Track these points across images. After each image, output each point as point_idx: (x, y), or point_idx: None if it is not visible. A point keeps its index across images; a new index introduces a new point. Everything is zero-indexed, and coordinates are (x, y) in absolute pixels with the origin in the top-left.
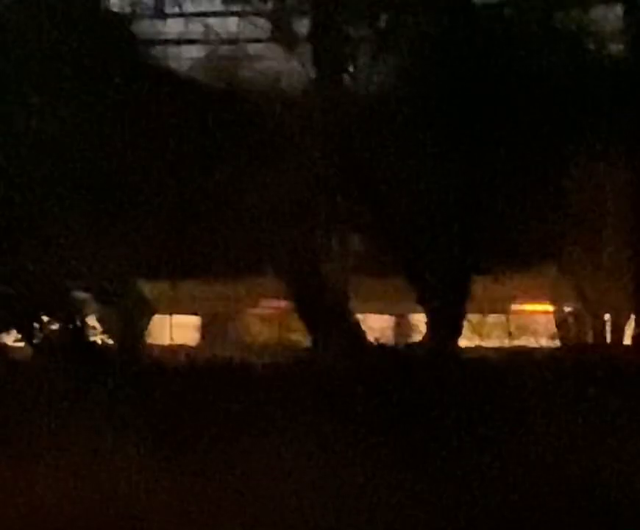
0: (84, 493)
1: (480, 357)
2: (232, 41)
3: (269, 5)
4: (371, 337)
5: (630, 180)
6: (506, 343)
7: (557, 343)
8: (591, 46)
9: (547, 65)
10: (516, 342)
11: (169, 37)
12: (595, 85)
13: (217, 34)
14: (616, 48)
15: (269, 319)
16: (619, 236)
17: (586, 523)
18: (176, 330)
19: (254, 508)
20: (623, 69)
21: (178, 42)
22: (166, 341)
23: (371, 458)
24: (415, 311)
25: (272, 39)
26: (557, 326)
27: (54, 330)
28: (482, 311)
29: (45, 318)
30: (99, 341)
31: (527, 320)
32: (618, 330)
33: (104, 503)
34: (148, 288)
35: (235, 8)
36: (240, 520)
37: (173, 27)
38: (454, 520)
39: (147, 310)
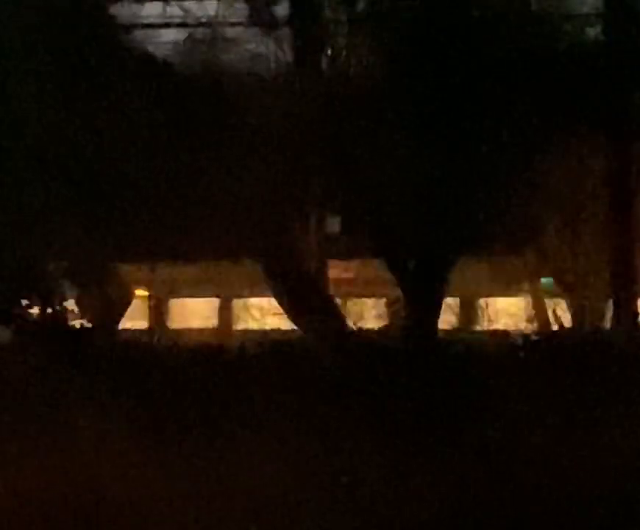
0: (63, 477)
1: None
2: (211, 24)
3: None
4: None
5: (608, 164)
6: None
7: None
8: (570, 28)
9: (527, 48)
10: None
11: (148, 20)
12: (574, 69)
13: (195, 17)
14: (594, 30)
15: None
16: (597, 219)
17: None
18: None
19: (241, 491)
20: (601, 52)
21: (156, 25)
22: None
23: (354, 441)
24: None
25: (250, 22)
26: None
27: (34, 314)
28: None
29: (24, 301)
30: (78, 325)
31: None
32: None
33: (85, 486)
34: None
35: None
36: (228, 504)
37: (151, 10)
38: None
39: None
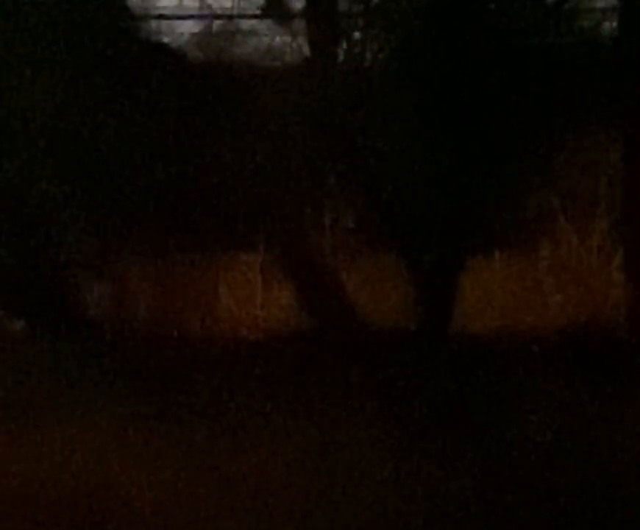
0: (72, 465)
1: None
2: (226, 16)
3: None
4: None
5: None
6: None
7: None
8: (584, 22)
9: (540, 41)
10: None
11: (163, 11)
12: (587, 61)
13: (211, 9)
14: (607, 23)
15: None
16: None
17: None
18: None
19: (241, 481)
20: (614, 45)
21: (172, 17)
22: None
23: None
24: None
25: (266, 15)
26: None
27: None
28: None
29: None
30: (90, 313)
31: None
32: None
33: (92, 477)
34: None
35: None
36: (229, 494)
37: (167, 1)
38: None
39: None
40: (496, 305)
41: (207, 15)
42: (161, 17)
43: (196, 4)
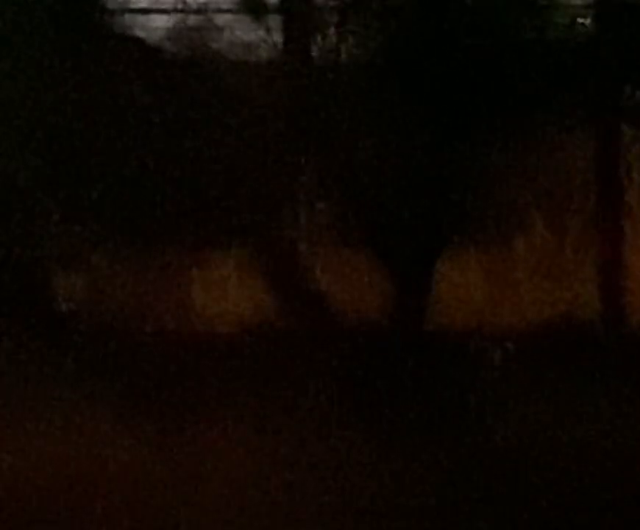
0: (54, 464)
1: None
2: (201, 11)
3: None
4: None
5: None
6: None
7: None
8: (561, 19)
9: (519, 37)
10: None
11: (138, 6)
12: (564, 60)
13: (185, 4)
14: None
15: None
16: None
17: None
18: None
19: (226, 477)
20: (591, 41)
21: (147, 11)
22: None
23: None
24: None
25: (241, 10)
26: None
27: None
28: None
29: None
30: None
31: None
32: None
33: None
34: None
35: None
36: (215, 490)
37: None
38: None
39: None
40: (472, 302)
41: (182, 10)
42: (136, 11)
43: None
